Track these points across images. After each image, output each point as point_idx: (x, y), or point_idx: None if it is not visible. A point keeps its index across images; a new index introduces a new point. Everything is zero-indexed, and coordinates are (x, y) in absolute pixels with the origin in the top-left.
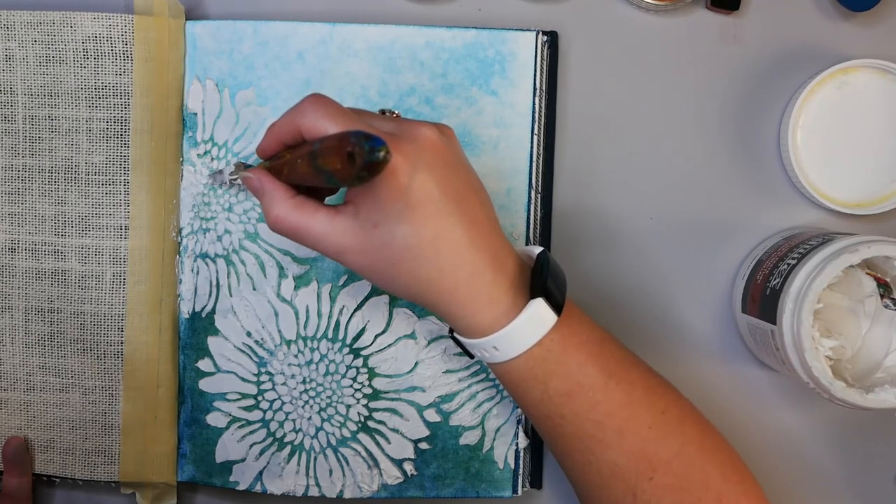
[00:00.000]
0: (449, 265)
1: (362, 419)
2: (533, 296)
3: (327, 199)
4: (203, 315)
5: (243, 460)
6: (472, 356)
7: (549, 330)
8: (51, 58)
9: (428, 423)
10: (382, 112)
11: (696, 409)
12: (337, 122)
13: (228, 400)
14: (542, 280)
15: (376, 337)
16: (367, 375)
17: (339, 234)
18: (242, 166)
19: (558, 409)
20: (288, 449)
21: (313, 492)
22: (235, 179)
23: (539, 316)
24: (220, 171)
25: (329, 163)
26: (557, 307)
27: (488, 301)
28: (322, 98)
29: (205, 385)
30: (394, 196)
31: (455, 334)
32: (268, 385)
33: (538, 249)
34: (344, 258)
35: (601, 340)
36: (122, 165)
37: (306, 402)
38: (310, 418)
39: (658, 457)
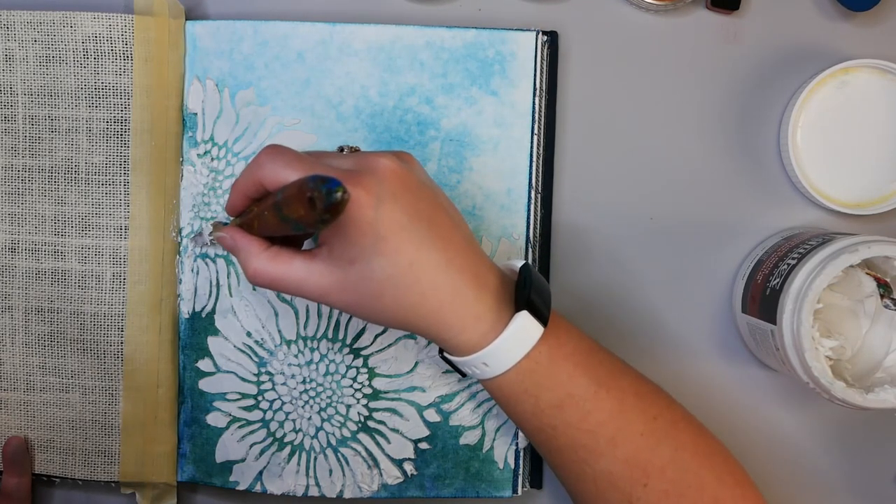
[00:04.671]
0: (430, 288)
1: (362, 419)
2: (517, 309)
3: (304, 244)
4: (203, 315)
5: (243, 460)
6: (463, 374)
7: (536, 342)
8: (51, 58)
9: (428, 423)
10: (340, 149)
11: (689, 413)
12: (295, 168)
13: (228, 400)
14: (525, 293)
15: (376, 337)
16: (367, 375)
17: (318, 276)
18: (220, 226)
19: (550, 421)
20: (288, 449)
21: (313, 492)
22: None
23: (525, 329)
24: (200, 234)
25: (293, 211)
26: (543, 319)
27: (474, 318)
28: (278, 148)
29: (205, 385)
30: (363, 230)
31: (445, 354)
32: (268, 385)
33: (521, 263)
34: (328, 300)
35: (589, 350)
36: (122, 165)
37: (306, 402)
38: (310, 418)
39: (652, 463)
